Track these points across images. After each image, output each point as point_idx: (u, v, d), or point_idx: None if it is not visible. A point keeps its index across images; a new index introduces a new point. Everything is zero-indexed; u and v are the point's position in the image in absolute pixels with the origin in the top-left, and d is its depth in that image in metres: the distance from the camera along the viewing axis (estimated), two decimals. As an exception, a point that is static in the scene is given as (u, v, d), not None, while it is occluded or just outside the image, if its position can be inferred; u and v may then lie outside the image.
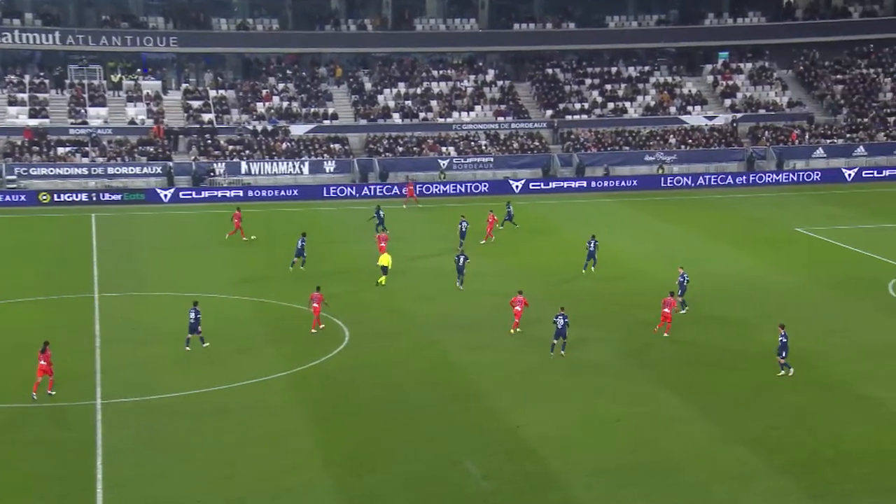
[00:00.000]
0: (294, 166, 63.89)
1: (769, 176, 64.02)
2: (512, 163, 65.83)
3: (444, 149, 66.92)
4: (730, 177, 64.17)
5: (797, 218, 51.42)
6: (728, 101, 71.04)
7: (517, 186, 63.12)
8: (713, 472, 22.73)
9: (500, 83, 72.50)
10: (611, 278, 40.04)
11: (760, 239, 46.77)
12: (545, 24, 74.29)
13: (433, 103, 70.45)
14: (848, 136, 67.30)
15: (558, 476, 22.80)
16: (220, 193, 60.82)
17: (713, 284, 38.90)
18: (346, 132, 67.45)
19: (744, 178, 63.93)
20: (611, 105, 70.76)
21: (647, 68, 73.97)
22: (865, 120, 68.45)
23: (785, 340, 28.35)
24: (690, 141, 67.46)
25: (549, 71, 73.58)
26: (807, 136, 67.34)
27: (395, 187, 62.12)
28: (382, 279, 38.93)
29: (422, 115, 69.45)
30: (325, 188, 62.06)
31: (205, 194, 60.70)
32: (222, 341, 31.96)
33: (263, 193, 61.27)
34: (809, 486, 21.82)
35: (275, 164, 63.69)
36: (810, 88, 72.70)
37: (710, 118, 69.45)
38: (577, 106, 70.73)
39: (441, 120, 69.25)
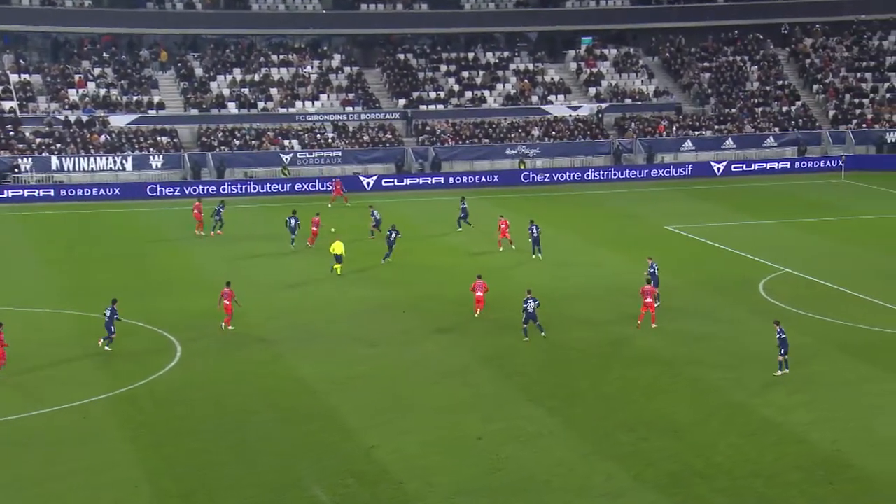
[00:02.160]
0: (115, 162, 61.87)
1: (637, 170, 66.51)
2: (362, 157, 65.87)
3: (286, 142, 66.27)
4: (596, 171, 66.23)
5: (667, 215, 53.56)
6: (592, 90, 73.37)
7: (368, 183, 63.19)
8: (581, 490, 23.26)
9: (347, 69, 72.39)
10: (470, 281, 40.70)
11: (629, 238, 48.43)
12: (395, 5, 74.75)
13: (273, 92, 69.65)
14: (716, 127, 70.72)
15: (415, 500, 22.89)
16: (26, 192, 58.26)
17: (579, 286, 40.07)
18: (175, 123, 65.91)
19: (611, 172, 66.16)
20: (469, 94, 71.83)
21: (506, 54, 75.52)
22: (733, 110, 72.11)
23: (783, 337, 29.42)
24: (554, 133, 69.29)
25: (401, 56, 74.04)
26: (674, 128, 70.35)
27: (230, 184, 61.16)
28: (337, 267, 40.93)
29: (261, 104, 68.56)
30: (151, 186, 60.43)
31: (8, 193, 58.01)
32: (34, 360, 30.73)
33: (79, 192, 59.09)
34: (681, 503, 22.67)
35: (92, 159, 61.51)
36: (677, 77, 75.99)
37: (575, 108, 71.53)
38: (433, 95, 71.45)
39: (282, 110, 68.56)
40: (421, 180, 63.55)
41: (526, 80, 73.10)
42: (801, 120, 71.23)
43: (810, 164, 67.81)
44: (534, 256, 43.95)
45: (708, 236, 48.36)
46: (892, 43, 76.83)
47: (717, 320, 35.27)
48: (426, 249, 46.14)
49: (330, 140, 66.86)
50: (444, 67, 73.79)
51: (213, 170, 62.86)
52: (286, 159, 64.45)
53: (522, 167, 66.17)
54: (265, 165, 64.19)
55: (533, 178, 64.74)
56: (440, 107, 70.77)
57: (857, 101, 72.70)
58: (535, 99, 72.05)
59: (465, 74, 73.21)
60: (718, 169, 66.73)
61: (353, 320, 35.95)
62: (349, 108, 69.49)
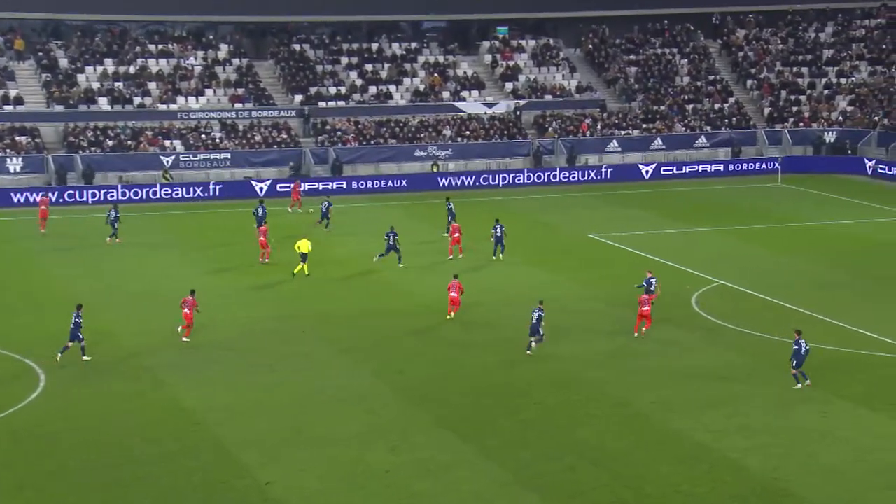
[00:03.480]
0: (-36, 166, 60.43)
1: (559, 173, 67.40)
2: (254, 159, 65.45)
3: (167, 143, 65.47)
4: (514, 174, 66.89)
5: (591, 222, 54.39)
6: (509, 86, 74.17)
7: (261, 188, 62.76)
8: (500, 525, 23.60)
9: (235, 61, 71.84)
10: (380, 294, 40.75)
11: (550, 247, 49.03)
12: (290, -10, 74.60)
13: (151, 86, 68.72)
14: (644, 126, 72.12)
15: (318, 542, 22.81)
16: None
17: (495, 301, 40.43)
18: (37, 121, 64.64)
19: (531, 175, 66.92)
20: (373, 89, 71.95)
21: (414, 45, 75.88)
22: (662, 108, 73.63)
23: (797, 348, 30.65)
24: (468, 132, 69.81)
25: (297, 47, 73.81)
26: (599, 127, 71.52)
27: (102, 190, 60.08)
28: (302, 268, 42.77)
29: (137, 100, 67.61)
30: (9, 193, 59.04)
31: None
32: None
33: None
34: (612, 535, 23.08)
35: (-65, 162, 59.95)
36: (601, 71, 77.28)
37: (490, 105, 72.21)
38: (333, 90, 71.37)
39: (162, 107, 67.72)
40: (320, 185, 63.33)
41: (436, 74, 73.52)
42: (734, 118, 73.15)
43: (745, 167, 69.66)
44: (494, 257, 45.64)
45: (635, 245, 49.24)
46: (828, 35, 79.46)
47: (646, 338, 35.89)
48: (329, 262, 45.98)
49: (217, 140, 66.22)
50: (344, 60, 73.78)
51: (81, 174, 61.66)
52: (167, 162, 63.62)
53: (436, 170, 66.48)
54: (143, 169, 63.33)
55: (450, 182, 65.06)
56: (341, 103, 70.72)
57: (793, 97, 74.98)
58: (446, 95, 72.51)
59: (369, 68, 73.32)
60: (647, 172, 68.07)
61: (248, 341, 35.67)
62: (238, 105, 68.96)
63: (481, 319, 38.25)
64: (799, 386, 31.01)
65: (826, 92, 75.04)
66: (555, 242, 50.06)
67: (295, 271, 43.16)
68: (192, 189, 62.09)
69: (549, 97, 73.51)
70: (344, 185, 63.97)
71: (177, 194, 61.68)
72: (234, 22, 74.71)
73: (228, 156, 65.19)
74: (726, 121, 72.94)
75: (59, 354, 32.86)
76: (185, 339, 35.12)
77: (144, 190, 61.39)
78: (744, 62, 78.07)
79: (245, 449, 27.15)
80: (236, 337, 36.18)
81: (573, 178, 67.28)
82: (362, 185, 64.52)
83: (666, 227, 53.71)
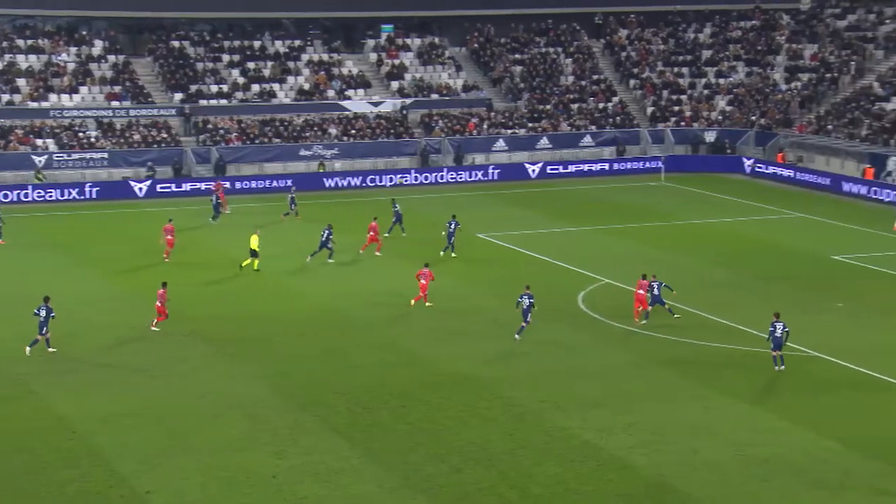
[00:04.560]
0: None
1: (446, 172, 67.61)
2: (133, 159, 64.10)
3: (39, 142, 63.69)
4: (402, 173, 66.86)
5: (479, 222, 54.65)
6: (395, 84, 74.13)
7: (141, 189, 61.52)
8: (389, 529, 23.51)
9: (111, 58, 70.26)
10: (267, 297, 40.31)
11: (438, 247, 49.07)
12: (169, -15, 73.28)
13: (21, 83, 66.79)
14: (530, 125, 72.86)
15: (201, 553, 22.41)
16: None
17: (381, 301, 40.34)
18: None
19: (418, 174, 66.98)
20: (256, 87, 71.14)
21: (297, 43, 75.28)
22: (548, 107, 74.50)
23: (772, 330, 32.18)
24: (354, 131, 69.55)
25: (176, 44, 72.54)
26: (485, 126, 72.00)
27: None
28: (251, 262, 43.39)
29: (5, 97, 65.73)
30: None
31: None
32: None
33: None
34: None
35: None
36: (487, 69, 77.82)
37: (376, 104, 72.06)
38: (214, 88, 70.33)
39: (33, 104, 65.91)
40: (203, 185, 62.27)
41: (321, 73, 73.06)
42: (618, 117, 74.41)
43: (629, 166, 70.90)
44: (442, 254, 46.24)
45: (523, 245, 49.69)
46: (707, 36, 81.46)
47: (533, 337, 36.22)
48: (214, 263, 45.29)
49: (93, 139, 64.65)
50: (226, 57, 72.78)
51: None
52: (39, 162, 61.84)
53: (322, 170, 66.06)
54: (13, 169, 61.54)
55: (337, 182, 64.67)
56: (223, 102, 69.74)
57: (674, 97, 76.64)
58: (331, 93, 72.13)
59: (251, 65, 72.48)
60: (533, 171, 68.78)
61: (126, 347, 34.89)
62: (115, 103, 67.47)
63: (366, 321, 38.11)
64: (777, 368, 32.26)
65: (706, 92, 76.90)
66: (443, 242, 50.14)
67: (243, 264, 43.83)
68: (66, 190, 60.50)
69: (435, 96, 73.71)
70: (228, 185, 62.97)
71: (51, 196, 60.05)
72: (108, 17, 72.99)
73: (105, 155, 63.72)
74: (610, 120, 74.16)
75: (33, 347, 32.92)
76: (153, 328, 36.21)
77: (15, 191, 59.56)
78: (626, 62, 79.49)
79: (123, 458, 26.56)
80: (115, 343, 35.38)
81: (460, 177, 67.57)
82: (246, 185, 63.69)
83: (553, 227, 54.32)
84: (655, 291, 37.67)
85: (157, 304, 36.40)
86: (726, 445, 27.40)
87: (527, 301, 35.48)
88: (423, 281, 38.83)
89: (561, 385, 31.80)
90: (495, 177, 67.96)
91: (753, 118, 72.89)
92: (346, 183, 65.06)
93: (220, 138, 66.72)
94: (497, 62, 77.91)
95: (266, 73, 72.29)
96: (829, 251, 48.58)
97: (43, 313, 33.87)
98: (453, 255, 46.68)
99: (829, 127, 68.50)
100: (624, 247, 49.91)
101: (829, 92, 72.50)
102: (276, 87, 71.58)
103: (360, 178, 65.78)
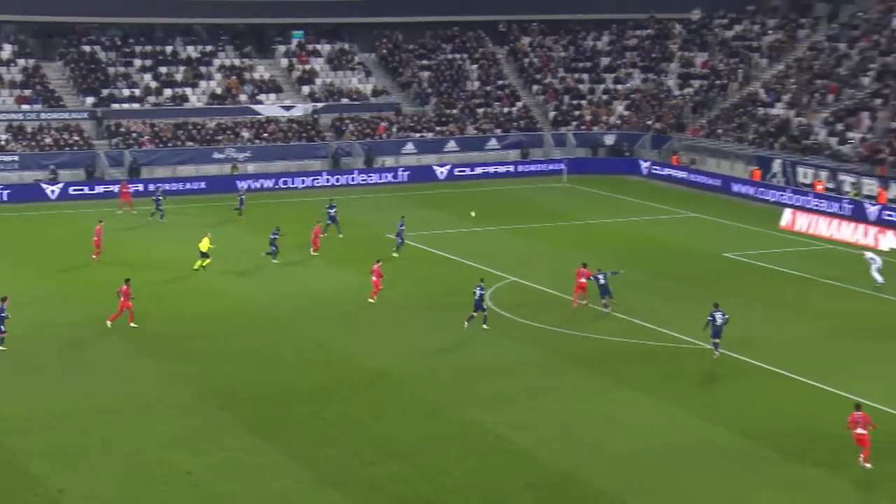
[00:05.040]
0: None
1: (357, 174, 67.44)
2: (45, 162, 62.55)
3: (-51, 146, 61.80)
4: (313, 175, 66.52)
5: (389, 223, 54.58)
6: (306, 89, 73.69)
7: (53, 192, 60.13)
8: (304, 524, 23.44)
9: (21, 62, 68.55)
10: (186, 297, 39.79)
11: (351, 248, 48.97)
12: (80, -10, 71.74)
13: (-69, 86, 64.71)
14: (438, 129, 73.07)
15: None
16: None
17: (298, 301, 40.14)
18: None
19: (329, 177, 66.68)
20: (168, 92, 70.05)
21: (209, 48, 74.34)
22: (455, 111, 74.81)
23: (711, 319, 33.05)
24: (266, 135, 68.95)
25: (87, 48, 71.05)
26: (395, 129, 71.98)
27: None
28: (204, 263, 43.30)
29: (-85, 101, 63.56)
30: None
31: None
32: None
33: None
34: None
35: None
36: (396, 75, 77.82)
37: (287, 108, 71.55)
38: (126, 92, 69.08)
39: (-56, 108, 63.92)
40: (116, 188, 61.06)
41: (233, 77, 72.26)
42: (522, 121, 75.05)
43: (533, 168, 71.56)
44: (395, 254, 46.42)
45: (432, 244, 49.83)
46: (605, 44, 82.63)
47: (444, 334, 36.39)
48: (134, 263, 44.55)
49: (3, 143, 62.95)
50: (138, 62, 71.53)
51: None
52: (-50, 166, 60.09)
53: (235, 172, 65.36)
54: (-76, 173, 59.66)
55: (250, 184, 63.98)
56: (135, 106, 68.53)
57: (575, 102, 77.59)
58: (243, 98, 71.39)
59: (164, 70, 71.34)
60: (441, 173, 68.98)
61: (38, 347, 34.11)
62: (26, 107, 65.83)
63: (285, 320, 37.87)
64: (716, 355, 33.30)
65: (604, 97, 77.99)
66: (355, 243, 50.03)
67: (196, 267, 43.54)
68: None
69: (345, 100, 73.44)
70: (141, 187, 61.90)
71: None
72: (17, 21, 71.10)
73: (16, 159, 62.10)
74: (515, 124, 74.77)
75: None
76: (108, 324, 35.94)
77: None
78: (529, 68, 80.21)
79: (35, 458, 26.03)
80: (26, 343, 34.52)
81: (371, 179, 67.47)
82: (160, 186, 62.49)
83: (461, 227, 54.55)
84: (602, 282, 38.56)
85: (121, 299, 36.12)
86: (630, 437, 27.90)
87: (479, 292, 36.29)
88: (374, 277, 39.56)
89: (472, 381, 32.00)
90: (405, 178, 68.01)
91: (649, 122, 74.17)
92: (258, 185, 64.43)
93: (132, 141, 65.54)
94: (405, 68, 77.97)
95: (178, 77, 71.22)
96: (720, 249, 49.70)
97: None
98: (395, 254, 46.78)
99: (719, 131, 70.04)
100: (529, 246, 50.39)
101: (718, 98, 74.11)
102: (188, 91, 70.56)
103: (273, 180, 65.23)
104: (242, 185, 59.33)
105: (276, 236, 45.88)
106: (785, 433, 28.00)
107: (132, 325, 36.21)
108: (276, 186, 64.94)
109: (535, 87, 79.02)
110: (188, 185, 63.01)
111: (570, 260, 46.59)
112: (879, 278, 42.20)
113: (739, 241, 51.74)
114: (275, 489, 24.81)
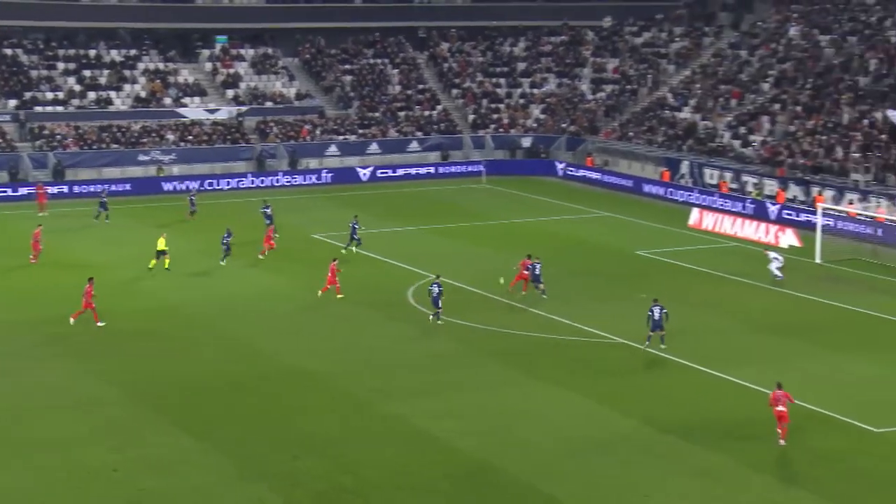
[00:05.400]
0: None
1: (282, 176, 67.09)
2: (-33, 165, 61.20)
3: None
4: (238, 178, 66.02)
5: (313, 223, 54.57)
6: (231, 92, 73.09)
7: (-23, 195, 58.76)
8: (232, 517, 23.36)
9: (-56, 65, 66.86)
10: (108, 296, 39.26)
11: (278, 249, 48.74)
12: (2, -7, 70.21)
13: None
14: (360, 131, 73.04)
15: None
16: None
17: (216, 300, 39.88)
18: None
19: (254, 178, 66.24)
20: (92, 95, 68.93)
21: (133, 52, 73.32)
22: (377, 114, 74.85)
23: (650, 314, 33.84)
24: (191, 137, 68.23)
25: (9, 51, 69.62)
26: (318, 132, 71.77)
27: None
28: (163, 260, 42.95)
29: None
30: None
31: None
32: None
33: None
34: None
35: None
36: (318, 79, 77.59)
37: (212, 111, 70.90)
38: (50, 95, 67.82)
39: None
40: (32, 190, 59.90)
41: (157, 81, 71.36)
42: (442, 124, 75.39)
43: (453, 170, 71.89)
44: (344, 251, 46.42)
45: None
46: (521, 49, 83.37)
47: (365, 331, 36.46)
48: (54, 265, 43.78)
49: (-74, 146, 61.37)
50: (61, 65, 70.25)
51: None
52: None
53: (160, 174, 64.60)
54: None
55: (175, 186, 63.32)
56: (59, 108, 67.27)
57: (493, 105, 78.15)
58: (168, 101, 70.53)
59: (88, 73, 70.16)
60: (364, 174, 68.96)
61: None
62: (-53, 110, 64.26)
63: (209, 318, 37.61)
64: (661, 347, 34.05)
65: (521, 101, 78.67)
66: (279, 243, 49.80)
67: (150, 265, 43.07)
68: None
69: (269, 104, 73.01)
70: (66, 188, 60.86)
71: None
72: (-64, 25, 69.45)
73: (-61, 161, 60.65)
74: (435, 127, 75.05)
75: None
76: (71, 321, 35.65)
77: None
78: (449, 73, 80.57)
79: (-40, 460, 25.50)
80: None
81: (295, 181, 67.18)
82: (85, 189, 61.69)
83: (383, 227, 54.59)
84: (536, 271, 39.44)
85: (84, 299, 35.70)
86: (543, 427, 28.29)
87: (436, 289, 36.83)
88: (329, 274, 39.77)
89: (392, 375, 32.16)
90: (328, 180, 67.87)
91: (564, 125, 75.03)
92: (184, 187, 63.69)
93: (57, 144, 64.35)
94: (328, 72, 77.79)
95: (102, 81, 70.12)
96: (632, 247, 50.52)
97: None
98: (351, 250, 47.06)
99: (631, 134, 71.17)
100: (449, 245, 50.67)
101: (629, 102, 75.29)
102: (112, 94, 69.51)
103: (198, 182, 64.55)
104: (192, 185, 58.47)
105: (229, 238, 45.08)
106: (693, 422, 28.63)
107: (99, 323, 35.85)
108: (202, 188, 64.23)
109: (455, 92, 79.41)
110: (113, 187, 62.02)
111: (490, 259, 47.08)
112: (779, 274, 43.30)
113: (650, 239, 52.63)
114: (198, 484, 24.69)
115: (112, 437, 27.07)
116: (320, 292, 39.82)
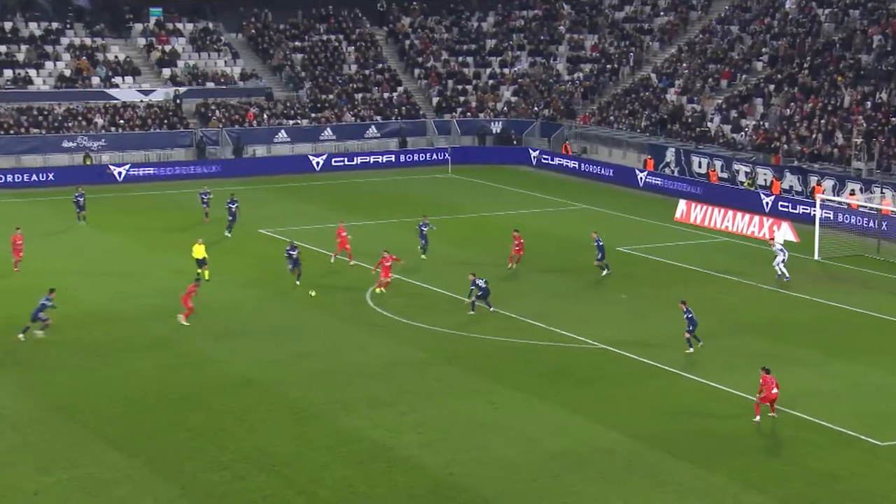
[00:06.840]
0: None
1: (225, 165, 66.75)
2: None
3: None
4: (176, 167, 65.64)
5: (261, 217, 54.34)
6: (167, 72, 72.63)
7: None
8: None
9: None
10: (27, 302, 38.87)
11: (218, 243, 48.51)
12: None
13: None
14: (313, 115, 72.84)
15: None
16: None
17: (151, 302, 39.60)
18: None
19: (194, 167, 65.86)
20: (9, 73, 68.30)
21: (56, 25, 72.71)
22: (331, 97, 74.66)
23: (691, 315, 34.52)
24: (123, 122, 67.75)
25: (-81, 24, 68.74)
26: (266, 116, 71.47)
27: None
28: (206, 273, 41.99)
29: None
30: None
31: None
32: None
33: None
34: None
35: None
36: (266, 57, 77.28)
37: (146, 93, 70.45)
38: (-37, 74, 67.10)
39: None
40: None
41: (83, 58, 70.77)
42: (403, 108, 75.32)
43: (416, 158, 71.93)
44: (423, 256, 46.79)
45: (307, 240, 49.63)
46: (491, 25, 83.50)
47: (318, 336, 36.33)
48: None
49: None
50: (-25, 40, 69.55)
51: None
52: None
53: (88, 163, 64.10)
54: None
55: (108, 176, 62.87)
56: (-27, 89, 66.62)
57: (460, 87, 78.21)
58: (96, 81, 70.01)
59: (3, 49, 69.50)
60: (317, 163, 68.81)
61: None
62: None
63: (138, 322, 37.33)
64: (691, 350, 34.62)
65: (491, 82, 78.79)
66: (222, 238, 49.51)
67: (205, 276, 41.99)
68: None
69: (211, 84, 72.64)
70: (-21, 180, 60.27)
71: None
72: None
73: None
74: (396, 111, 74.97)
75: None
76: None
77: None
78: (410, 51, 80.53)
79: None
80: None
81: (240, 170, 66.87)
82: (0, 179, 61.03)
83: (338, 221, 54.38)
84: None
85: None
86: (515, 440, 28.29)
87: (482, 283, 38.50)
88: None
89: (349, 385, 32.06)
90: (278, 169, 67.66)
91: (538, 109, 75.23)
92: (117, 176, 63.27)
93: (-29, 129, 63.73)
94: (276, 49, 77.47)
95: (20, 57, 69.44)
96: (613, 243, 50.65)
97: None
98: (422, 257, 46.78)
99: (611, 118, 71.48)
100: (411, 241, 50.58)
101: (609, 83, 75.62)
102: (32, 72, 68.87)
103: (130, 171, 64.14)
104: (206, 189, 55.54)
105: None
106: (679, 435, 28.75)
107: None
108: (135, 177, 63.83)
109: (417, 72, 79.38)
110: (34, 177, 61.52)
111: (456, 256, 47.05)
112: (786, 273, 43.43)
113: (633, 234, 52.90)
114: (131, 507, 24.52)
115: (36, 456, 26.76)
116: (381, 289, 41.02)
